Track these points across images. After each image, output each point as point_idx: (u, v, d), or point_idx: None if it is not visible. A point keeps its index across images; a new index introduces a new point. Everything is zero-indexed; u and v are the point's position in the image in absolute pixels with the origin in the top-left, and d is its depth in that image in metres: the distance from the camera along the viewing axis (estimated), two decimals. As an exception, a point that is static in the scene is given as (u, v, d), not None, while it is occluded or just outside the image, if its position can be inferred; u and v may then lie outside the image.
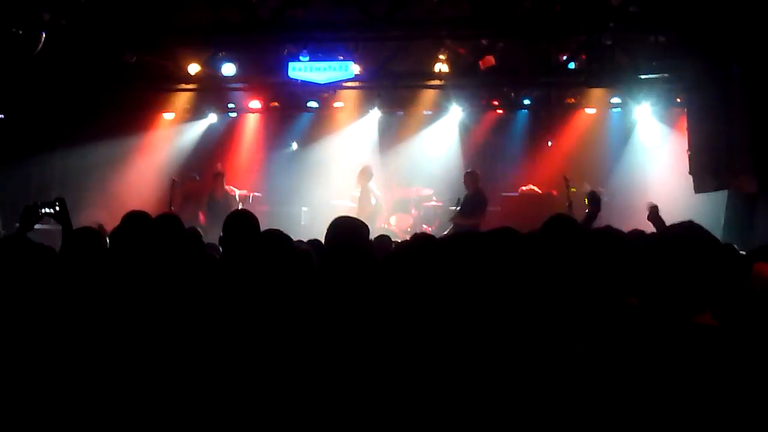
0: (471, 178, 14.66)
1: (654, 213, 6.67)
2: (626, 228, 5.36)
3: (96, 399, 4.10)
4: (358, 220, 4.85)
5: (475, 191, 14.51)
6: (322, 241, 5.45)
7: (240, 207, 13.98)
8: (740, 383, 2.92)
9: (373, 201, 15.15)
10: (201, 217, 14.10)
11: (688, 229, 3.31)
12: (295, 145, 13.98)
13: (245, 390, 4.03)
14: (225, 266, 5.36)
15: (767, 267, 4.66)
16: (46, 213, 5.51)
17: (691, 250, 3.18)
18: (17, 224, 5.62)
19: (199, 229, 7.11)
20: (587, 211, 6.72)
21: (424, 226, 16.04)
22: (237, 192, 15.77)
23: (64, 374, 4.17)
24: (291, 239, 5.18)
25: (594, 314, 3.62)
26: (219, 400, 4.04)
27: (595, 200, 6.67)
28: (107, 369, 4.19)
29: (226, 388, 4.06)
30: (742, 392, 2.90)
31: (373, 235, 6.65)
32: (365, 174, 15.35)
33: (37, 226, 5.60)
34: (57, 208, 5.60)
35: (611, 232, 4.01)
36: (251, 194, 14.27)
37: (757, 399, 2.88)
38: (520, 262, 3.93)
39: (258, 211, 12.17)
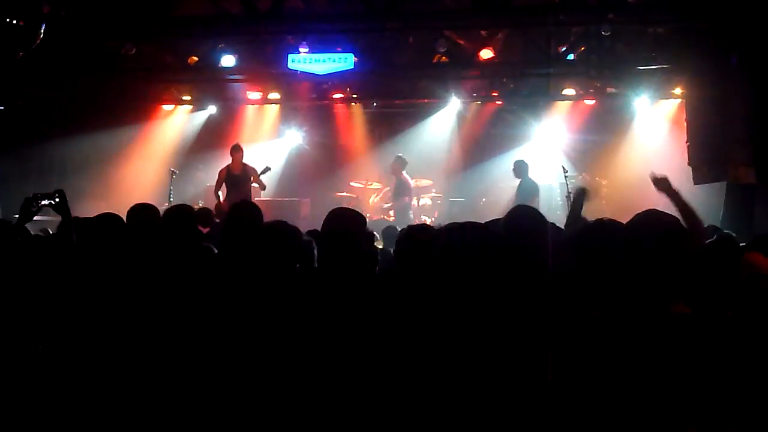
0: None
1: (664, 184, 6.12)
2: (625, 219, 5.37)
3: (95, 387, 4.13)
4: (353, 211, 4.86)
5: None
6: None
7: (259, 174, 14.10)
8: (717, 367, 2.95)
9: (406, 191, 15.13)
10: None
11: (649, 218, 3.32)
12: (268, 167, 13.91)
13: (244, 382, 4.05)
14: (224, 258, 5.37)
15: (755, 256, 4.68)
16: (45, 204, 5.51)
17: (654, 241, 3.19)
18: (16, 216, 5.64)
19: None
20: (570, 211, 6.39)
21: (423, 217, 16.05)
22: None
23: (64, 360, 4.19)
24: (298, 230, 5.21)
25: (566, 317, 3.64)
26: (218, 392, 4.06)
27: (577, 199, 6.36)
28: (108, 356, 4.22)
29: (224, 380, 4.08)
30: (720, 376, 2.94)
31: (402, 226, 6.66)
32: (400, 163, 15.35)
33: (36, 218, 5.62)
34: (57, 200, 5.60)
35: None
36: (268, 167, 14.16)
37: (735, 381, 2.92)
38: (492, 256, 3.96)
39: (259, 203, 12.26)
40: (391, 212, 15.95)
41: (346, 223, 4.64)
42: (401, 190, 15.16)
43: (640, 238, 3.29)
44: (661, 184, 5.74)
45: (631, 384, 3.05)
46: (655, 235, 3.24)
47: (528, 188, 14.16)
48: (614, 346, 3.16)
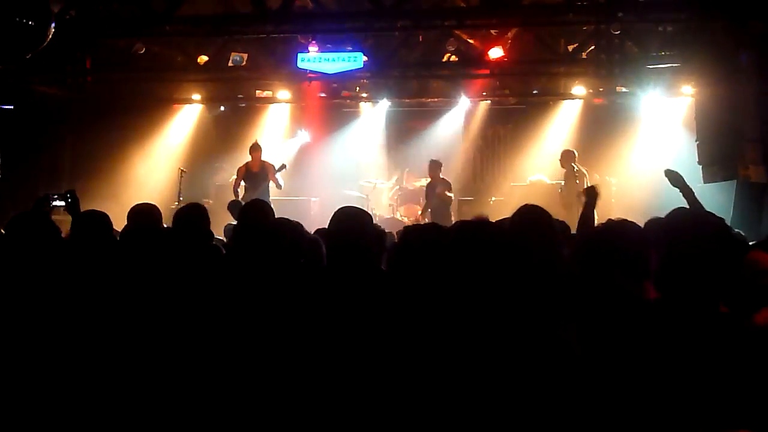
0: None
1: (677, 178, 6.14)
2: (634, 217, 5.37)
3: (98, 382, 4.14)
4: (359, 209, 4.87)
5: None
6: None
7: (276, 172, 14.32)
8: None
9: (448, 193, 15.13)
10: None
11: (688, 218, 3.33)
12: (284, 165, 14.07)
13: (249, 380, 4.07)
14: (233, 256, 5.39)
15: (759, 254, 4.68)
16: (57, 205, 5.56)
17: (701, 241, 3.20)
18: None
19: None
20: (582, 211, 6.30)
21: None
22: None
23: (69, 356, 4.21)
24: (301, 227, 5.22)
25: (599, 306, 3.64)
26: (224, 389, 4.07)
27: (590, 198, 6.29)
28: (111, 352, 4.23)
29: (229, 378, 4.09)
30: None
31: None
32: (436, 167, 15.34)
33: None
34: (68, 200, 5.65)
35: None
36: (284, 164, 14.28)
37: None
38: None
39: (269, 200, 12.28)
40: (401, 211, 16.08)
41: (351, 220, 4.65)
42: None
43: (680, 237, 3.29)
44: (675, 179, 5.84)
45: (664, 384, 3.05)
46: (701, 235, 3.25)
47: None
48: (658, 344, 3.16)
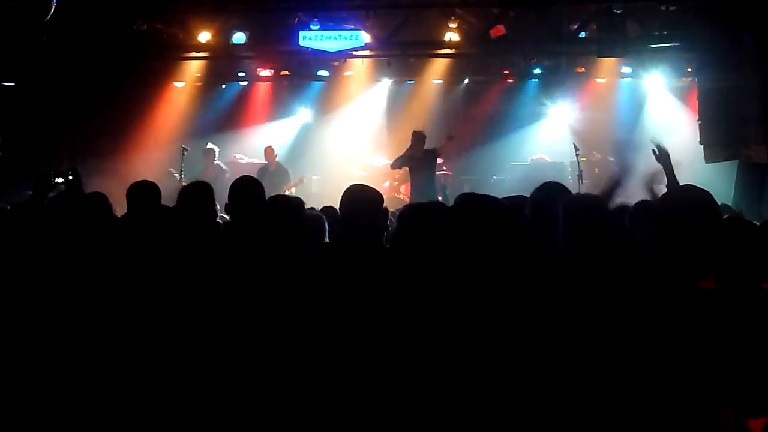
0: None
1: (665, 156, 6.11)
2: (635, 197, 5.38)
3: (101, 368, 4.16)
4: (372, 188, 4.86)
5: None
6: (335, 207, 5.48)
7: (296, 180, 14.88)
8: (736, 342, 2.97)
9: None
10: None
11: (687, 194, 3.33)
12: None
13: (250, 366, 4.07)
14: (230, 233, 5.38)
15: None
16: (59, 182, 5.55)
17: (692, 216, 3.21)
18: (30, 192, 5.67)
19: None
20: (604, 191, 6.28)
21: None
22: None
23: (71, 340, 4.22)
24: (302, 203, 5.22)
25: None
26: (224, 375, 4.08)
27: (612, 182, 6.25)
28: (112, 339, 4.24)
29: (235, 360, 4.10)
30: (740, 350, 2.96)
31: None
32: (418, 138, 14.32)
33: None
34: (70, 177, 5.65)
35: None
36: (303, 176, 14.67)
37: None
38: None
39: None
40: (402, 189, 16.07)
41: (365, 201, 4.64)
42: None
43: (676, 212, 3.30)
44: (662, 156, 5.83)
45: (654, 361, 3.07)
46: (690, 210, 3.25)
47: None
48: (645, 322, 3.16)
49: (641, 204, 5.28)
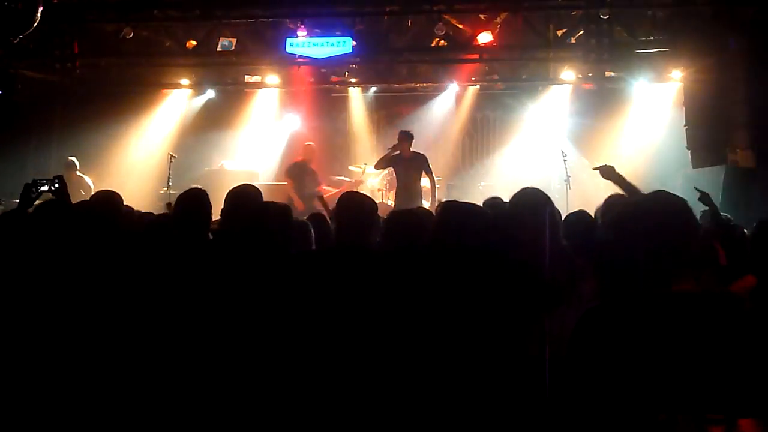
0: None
1: (609, 171, 6.06)
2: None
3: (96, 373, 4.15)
4: (363, 195, 4.90)
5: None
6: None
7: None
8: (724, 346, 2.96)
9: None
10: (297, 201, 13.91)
11: (660, 199, 3.34)
12: None
13: (236, 369, 4.07)
14: (220, 240, 5.37)
15: None
16: (45, 190, 5.54)
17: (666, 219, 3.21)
18: (16, 201, 5.65)
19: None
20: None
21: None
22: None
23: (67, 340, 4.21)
24: (290, 209, 5.22)
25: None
26: (210, 379, 4.08)
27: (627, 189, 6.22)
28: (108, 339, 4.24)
29: (229, 364, 4.10)
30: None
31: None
32: (405, 138, 13.88)
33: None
34: (56, 185, 5.63)
35: None
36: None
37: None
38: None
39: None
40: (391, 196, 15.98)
41: (360, 209, 4.66)
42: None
43: (649, 216, 3.29)
44: (607, 172, 5.82)
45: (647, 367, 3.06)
46: (663, 214, 3.25)
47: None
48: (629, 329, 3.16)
49: (610, 200, 5.34)
